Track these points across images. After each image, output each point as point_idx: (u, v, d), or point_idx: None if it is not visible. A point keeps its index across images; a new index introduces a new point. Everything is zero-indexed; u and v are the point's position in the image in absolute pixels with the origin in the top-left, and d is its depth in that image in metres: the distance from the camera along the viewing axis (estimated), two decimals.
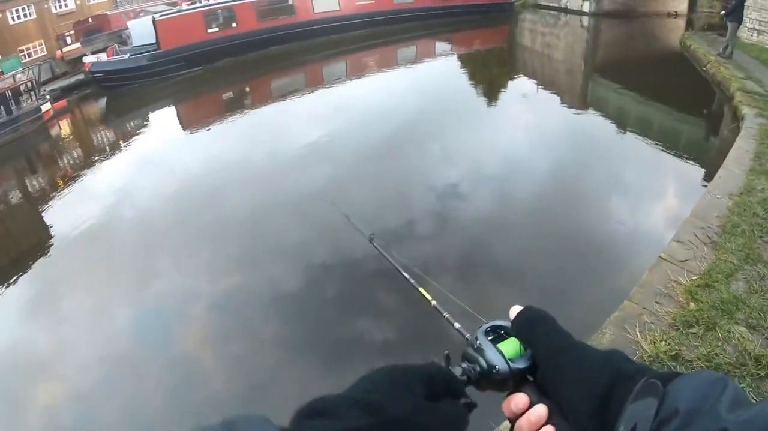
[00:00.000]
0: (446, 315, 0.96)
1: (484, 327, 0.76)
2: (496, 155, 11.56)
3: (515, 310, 0.76)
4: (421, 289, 1.10)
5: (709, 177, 7.82)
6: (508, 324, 0.76)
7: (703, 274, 4.59)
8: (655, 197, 8.91)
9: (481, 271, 7.24)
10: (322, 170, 10.88)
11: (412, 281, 1.16)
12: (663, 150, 10.92)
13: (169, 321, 7.32)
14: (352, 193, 9.72)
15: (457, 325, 0.91)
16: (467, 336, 0.82)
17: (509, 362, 0.71)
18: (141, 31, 24.67)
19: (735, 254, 4.86)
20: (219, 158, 13.29)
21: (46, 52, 28.79)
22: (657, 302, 4.23)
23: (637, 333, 3.83)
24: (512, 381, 0.72)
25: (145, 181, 12.76)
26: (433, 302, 1.03)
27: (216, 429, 0.49)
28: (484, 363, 0.72)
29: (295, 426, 0.56)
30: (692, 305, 4.13)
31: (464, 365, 0.74)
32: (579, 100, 16.41)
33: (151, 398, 5.89)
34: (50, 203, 12.84)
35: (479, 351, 0.73)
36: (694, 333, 3.81)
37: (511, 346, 0.73)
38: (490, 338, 0.75)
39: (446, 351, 0.75)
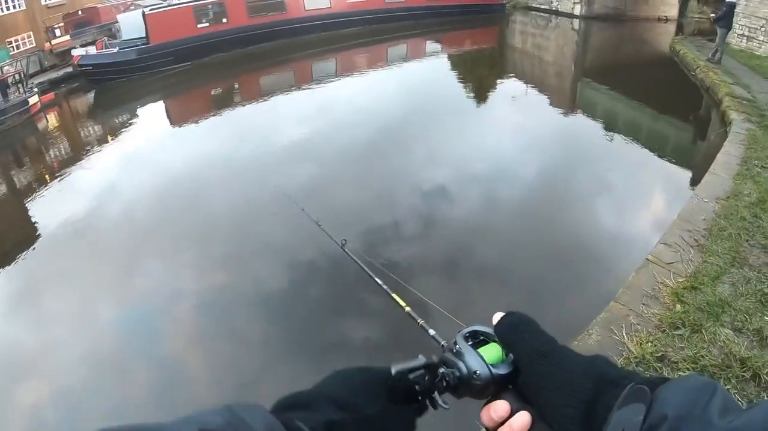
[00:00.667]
0: (420, 322, 0.94)
1: (464, 331, 0.74)
2: (484, 156, 11.55)
3: (498, 317, 0.74)
4: (394, 295, 1.07)
5: (696, 181, 7.88)
6: (488, 329, 0.74)
7: (689, 276, 4.62)
8: (643, 200, 8.95)
9: (463, 276, 7.18)
10: (303, 170, 10.76)
11: (385, 287, 1.14)
12: (651, 154, 10.99)
13: (145, 319, 7.22)
14: (331, 195, 9.51)
15: (431, 332, 0.89)
16: (443, 342, 0.80)
17: (490, 367, 0.69)
18: (131, 24, 24.48)
19: (721, 258, 4.90)
20: (204, 155, 13.18)
21: (34, 44, 28.42)
22: (643, 304, 4.25)
23: (624, 334, 3.84)
24: (493, 388, 0.69)
25: (131, 176, 12.64)
26: (407, 309, 1.01)
27: (217, 408, 0.53)
28: (463, 368, 0.69)
29: (279, 415, 0.58)
30: (678, 307, 4.15)
31: (442, 370, 0.71)
32: (568, 102, 16.50)
33: (135, 395, 5.84)
34: (36, 197, 12.68)
35: (458, 355, 0.71)
36: (680, 335, 3.83)
37: (492, 351, 0.71)
38: (470, 343, 0.72)
39: (420, 355, 0.74)
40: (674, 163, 10.40)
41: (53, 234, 10.17)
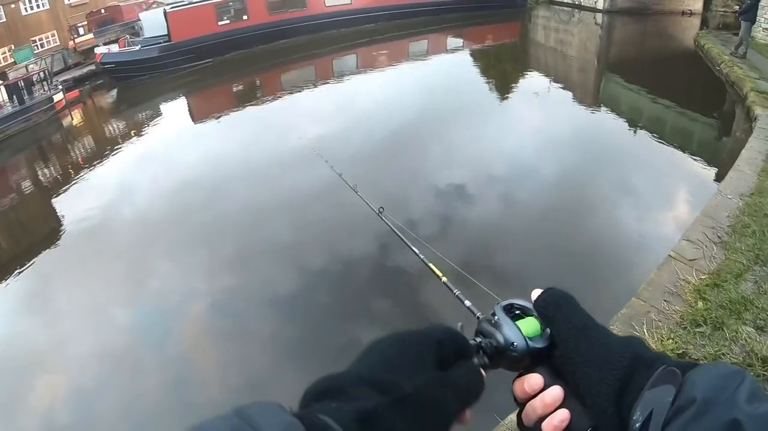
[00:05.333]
0: (456, 292, 0.93)
1: (503, 303, 0.74)
2: (508, 151, 11.51)
3: (536, 293, 0.74)
4: (431, 265, 1.07)
5: (720, 177, 7.77)
6: (526, 303, 0.74)
7: (712, 273, 4.56)
8: (666, 196, 8.85)
9: (487, 269, 7.20)
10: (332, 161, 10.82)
11: (421, 256, 1.13)
12: (675, 149, 10.84)
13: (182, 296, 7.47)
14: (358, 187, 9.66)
15: (467, 303, 0.88)
16: (478, 314, 0.80)
17: (528, 340, 0.69)
18: (153, 22, 24.79)
19: (744, 255, 4.83)
20: (229, 149, 13.37)
21: (59, 43, 28.91)
22: (665, 301, 4.21)
23: (645, 330, 3.81)
24: (528, 360, 0.69)
25: (154, 172, 12.79)
26: (444, 279, 1.01)
27: (228, 416, 0.48)
28: (501, 338, 0.69)
29: (305, 409, 0.54)
30: (700, 304, 4.10)
31: (478, 339, 0.71)
32: (591, 97, 16.32)
33: (149, 392, 5.92)
34: (60, 192, 12.93)
35: (497, 325, 0.71)
36: (702, 332, 3.78)
37: (529, 324, 0.71)
38: (509, 315, 0.72)
39: (460, 323, 0.73)
40: (698, 159, 10.24)
41: (77, 227, 10.37)
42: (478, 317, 0.79)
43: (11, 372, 6.58)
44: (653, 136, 11.80)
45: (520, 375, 0.70)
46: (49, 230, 10.99)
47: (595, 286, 6.37)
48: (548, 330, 0.70)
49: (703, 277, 4.50)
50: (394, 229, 1.26)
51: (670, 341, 3.66)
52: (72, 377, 6.39)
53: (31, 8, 28.02)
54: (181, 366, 6.30)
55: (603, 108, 14.80)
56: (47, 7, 28.75)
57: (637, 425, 0.57)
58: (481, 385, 0.64)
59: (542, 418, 0.66)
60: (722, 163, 9.04)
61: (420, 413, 0.57)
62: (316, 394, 0.56)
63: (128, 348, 6.64)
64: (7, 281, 8.91)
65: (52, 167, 16.08)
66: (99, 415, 5.68)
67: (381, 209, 1.39)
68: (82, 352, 6.73)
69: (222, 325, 6.87)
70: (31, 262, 9.39)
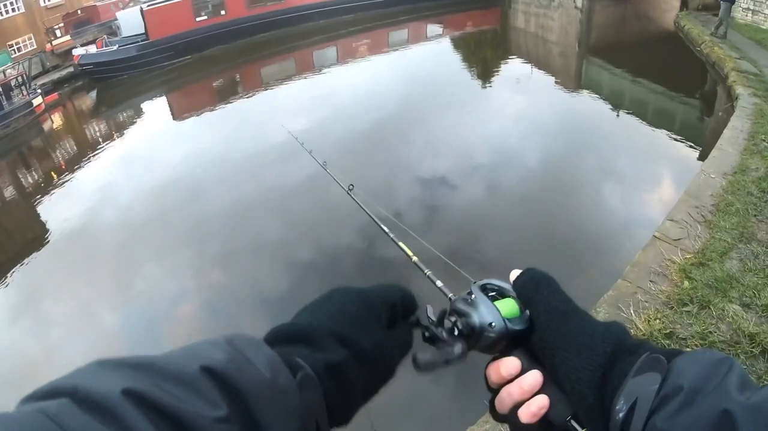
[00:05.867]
0: (428, 272, 0.89)
1: (480, 282, 0.70)
2: (491, 138, 11.49)
3: (515, 273, 0.71)
4: (401, 244, 1.03)
5: (703, 157, 7.81)
6: (504, 284, 0.70)
7: (697, 253, 4.58)
8: (650, 177, 8.87)
9: (469, 256, 7.17)
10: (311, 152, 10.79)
11: (391, 235, 1.09)
12: (657, 130, 10.87)
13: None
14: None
15: (439, 283, 0.84)
16: (450, 295, 0.76)
17: (506, 321, 0.65)
18: (130, 21, 24.49)
19: (729, 233, 4.85)
20: (209, 145, 13.28)
21: (36, 46, 28.52)
22: (651, 281, 4.22)
23: (632, 311, 3.82)
24: (504, 343, 0.66)
25: (137, 172, 12.69)
26: (414, 259, 0.98)
27: (218, 340, 0.52)
28: (476, 319, 0.65)
29: (279, 350, 0.56)
30: (686, 283, 4.11)
31: (453, 318, 0.68)
32: (573, 81, 16.34)
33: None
34: (43, 197, 12.79)
35: (473, 304, 0.67)
36: (689, 312, 3.79)
37: (507, 305, 0.67)
38: (487, 295, 0.69)
39: (428, 305, 0.72)
40: (681, 139, 10.27)
41: (61, 232, 10.27)
42: (450, 298, 0.74)
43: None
44: (636, 118, 11.84)
45: (495, 359, 0.67)
46: (32, 236, 10.87)
47: (581, 269, 6.35)
48: (527, 312, 0.67)
49: (688, 256, 4.52)
50: (363, 206, 1.22)
51: (657, 321, 3.66)
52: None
53: (7, 12, 27.61)
54: None
55: (585, 92, 14.83)
56: (23, 10, 28.33)
57: (621, 414, 0.55)
58: (409, 345, 0.70)
59: (518, 405, 0.64)
60: (705, 142, 9.08)
61: (375, 366, 0.63)
62: (282, 337, 0.61)
63: (117, 349, 6.58)
64: None
65: (33, 172, 15.91)
66: None
67: (351, 187, 1.35)
68: (70, 355, 6.66)
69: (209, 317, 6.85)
70: (16, 268, 9.29)
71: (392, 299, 0.69)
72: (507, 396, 0.64)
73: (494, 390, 0.67)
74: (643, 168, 9.23)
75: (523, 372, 0.64)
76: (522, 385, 0.63)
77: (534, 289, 0.68)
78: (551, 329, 0.64)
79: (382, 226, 1.10)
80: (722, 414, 0.48)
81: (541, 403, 0.62)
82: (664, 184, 8.58)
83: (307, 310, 0.66)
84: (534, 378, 0.63)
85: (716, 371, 0.53)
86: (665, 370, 0.55)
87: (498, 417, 0.67)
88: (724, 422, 0.48)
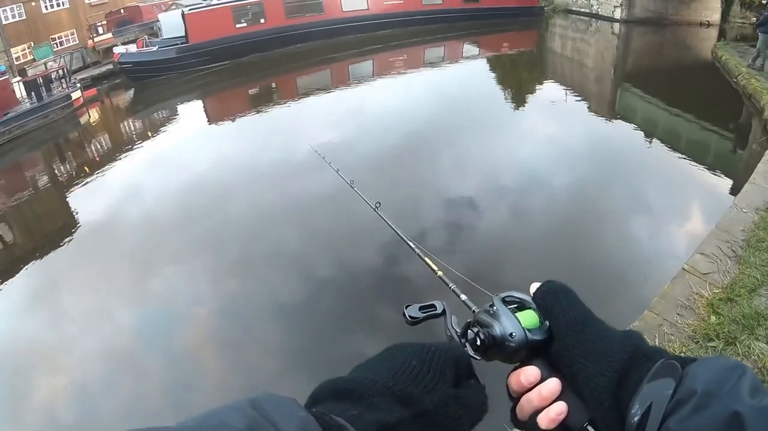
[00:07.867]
0: (452, 286, 0.93)
1: (502, 294, 0.74)
2: (522, 161, 11.43)
3: (535, 286, 0.74)
4: (426, 259, 1.08)
5: (735, 190, 7.70)
6: (525, 296, 0.74)
7: (725, 288, 4.52)
8: (680, 209, 8.75)
9: (493, 279, 7.12)
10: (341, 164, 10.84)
11: (417, 251, 1.13)
12: (690, 162, 10.74)
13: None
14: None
15: (463, 297, 0.87)
16: (473, 308, 0.80)
17: (526, 331, 0.68)
18: (171, 23, 24.96)
19: (759, 270, 4.78)
20: (239, 151, 13.52)
21: (78, 41, 29.25)
22: (678, 314, 4.18)
23: (657, 343, 3.78)
24: (525, 352, 0.69)
25: (165, 174, 12.88)
26: (439, 273, 1.02)
27: (242, 405, 0.48)
28: (498, 330, 0.68)
29: (323, 406, 0.55)
30: (713, 318, 4.07)
31: (475, 329, 0.71)
32: (607, 107, 16.23)
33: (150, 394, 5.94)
34: (75, 189, 13.06)
35: (495, 316, 0.70)
36: (714, 347, 3.76)
37: (528, 316, 0.70)
38: (508, 307, 0.72)
39: (453, 316, 0.76)
40: (713, 171, 10.14)
41: (90, 224, 10.47)
42: (473, 311, 0.78)
43: (16, 368, 6.64)
44: (669, 148, 11.70)
45: (516, 368, 0.70)
46: (61, 226, 11.11)
47: (608, 298, 6.30)
48: (547, 323, 0.70)
49: (716, 291, 4.47)
50: (390, 223, 1.26)
51: (682, 355, 3.63)
52: (75, 373, 6.42)
53: (52, 6, 28.40)
54: (182, 367, 6.30)
55: (619, 119, 14.71)
56: (67, 6, 29.12)
57: (636, 418, 0.57)
58: (486, 405, 0.66)
59: (538, 411, 0.66)
60: (738, 176, 8.95)
61: (439, 428, 0.59)
62: (333, 394, 0.57)
63: (131, 347, 6.66)
64: (19, 274, 9.03)
65: (67, 164, 16.24)
66: (99, 414, 5.70)
67: (378, 205, 1.39)
68: (87, 347, 6.78)
69: (226, 322, 6.91)
70: (43, 257, 9.50)
71: (456, 354, 0.67)
72: (527, 403, 0.67)
73: (515, 399, 0.70)
74: (673, 199, 9.11)
75: (542, 380, 0.67)
76: (541, 392, 0.66)
77: (553, 300, 0.71)
78: (570, 338, 0.67)
79: (409, 242, 1.15)
80: (732, 416, 0.50)
81: (559, 409, 0.64)
82: (694, 216, 8.46)
83: (365, 365, 0.64)
84: (553, 385, 0.66)
85: (729, 376, 0.55)
86: (680, 376, 0.57)
87: (519, 424, 0.69)
88: (734, 424, 0.50)
